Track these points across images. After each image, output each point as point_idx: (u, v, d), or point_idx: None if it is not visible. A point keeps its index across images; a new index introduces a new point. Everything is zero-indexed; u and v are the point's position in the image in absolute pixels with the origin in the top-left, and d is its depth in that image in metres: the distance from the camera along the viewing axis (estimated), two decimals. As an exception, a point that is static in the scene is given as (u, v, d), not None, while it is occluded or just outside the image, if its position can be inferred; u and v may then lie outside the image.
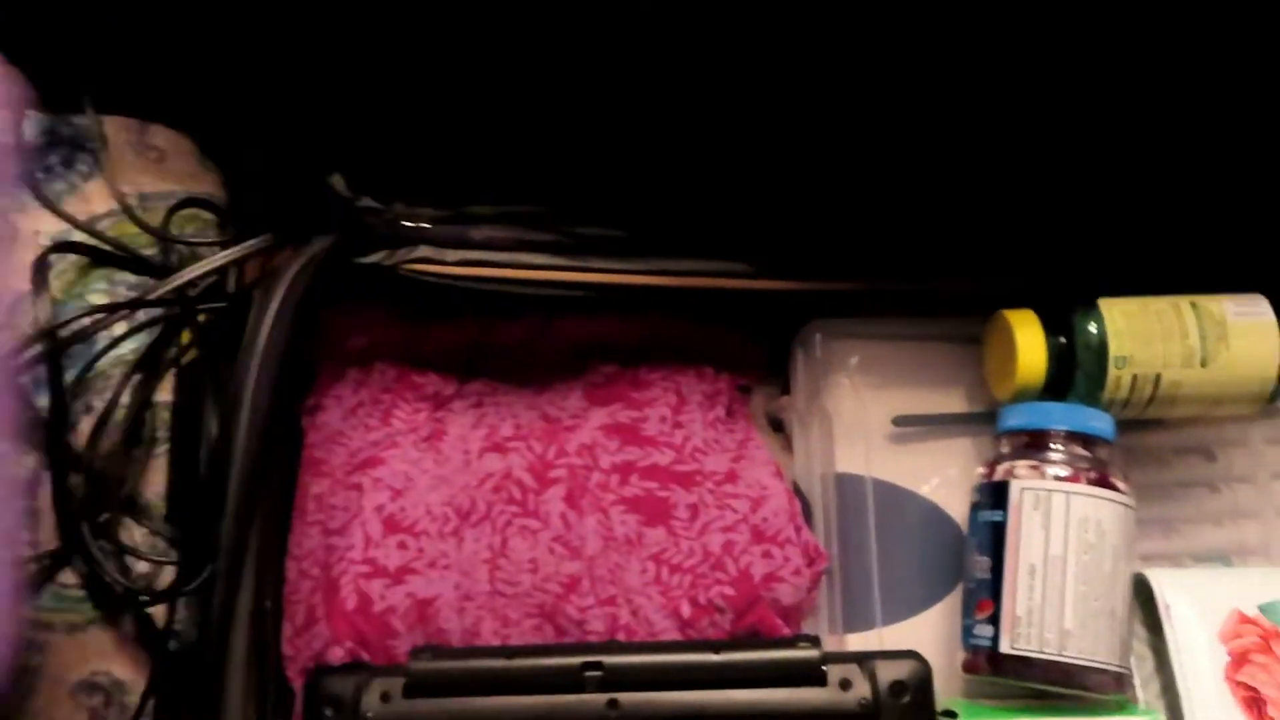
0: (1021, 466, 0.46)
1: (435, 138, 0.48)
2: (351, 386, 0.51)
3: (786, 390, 0.55)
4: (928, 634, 0.49)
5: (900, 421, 0.53)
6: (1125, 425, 0.49)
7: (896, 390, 0.54)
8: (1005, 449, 0.48)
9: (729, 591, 0.47)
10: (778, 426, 0.55)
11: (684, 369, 0.53)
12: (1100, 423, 0.46)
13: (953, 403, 0.54)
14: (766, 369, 0.56)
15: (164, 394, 0.57)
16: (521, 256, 0.48)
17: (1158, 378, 0.47)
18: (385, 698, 0.44)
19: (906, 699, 0.44)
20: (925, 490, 0.53)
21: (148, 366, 0.55)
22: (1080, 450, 0.46)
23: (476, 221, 0.48)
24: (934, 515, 0.52)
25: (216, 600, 0.38)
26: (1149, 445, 0.54)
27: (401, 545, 0.48)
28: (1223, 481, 0.54)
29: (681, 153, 0.50)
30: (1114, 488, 0.45)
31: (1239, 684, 0.44)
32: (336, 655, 0.46)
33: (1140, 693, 0.46)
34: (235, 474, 0.40)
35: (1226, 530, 0.54)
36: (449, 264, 0.47)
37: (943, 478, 0.53)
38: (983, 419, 0.53)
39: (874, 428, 0.53)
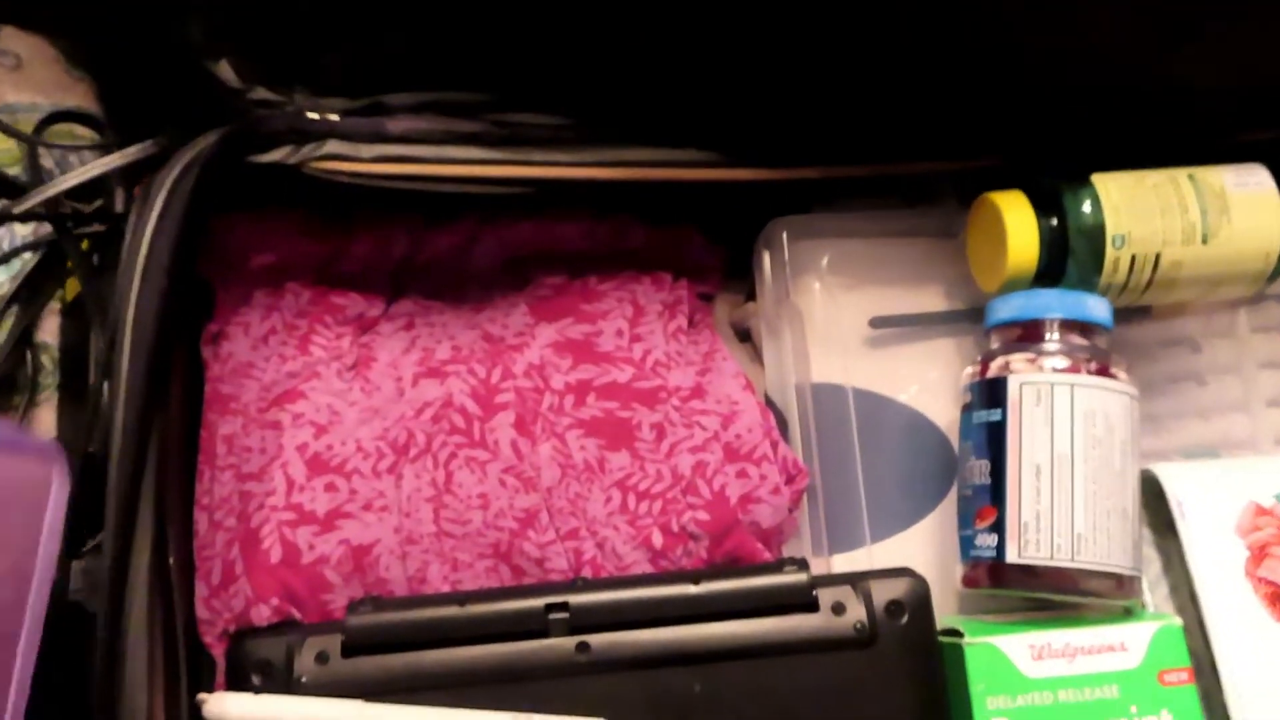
0: (1017, 360, 0.42)
1: (342, 12, 0.41)
2: (260, 311, 0.44)
3: (751, 296, 0.50)
4: (918, 550, 0.46)
5: (877, 323, 0.48)
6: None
7: (871, 291, 0.49)
8: (996, 344, 0.44)
9: (703, 516, 0.43)
10: (744, 337, 0.50)
11: (639, 277, 0.48)
12: (1100, 308, 0.42)
13: (932, 301, 0.50)
14: (728, 274, 0.51)
15: (48, 334, 0.50)
16: (448, 150, 0.42)
17: (1157, 257, 0.43)
18: (321, 658, 0.39)
19: (905, 619, 0.40)
20: (905, 398, 0.48)
21: (24, 301, 0.48)
22: (1079, 340, 0.42)
23: (393, 112, 0.42)
24: (917, 423, 0.48)
25: (106, 561, 0.31)
26: (1133, 339, 0.50)
27: (330, 487, 0.42)
28: (1210, 374, 0.51)
29: (628, 27, 0.43)
30: (1117, 378, 0.41)
31: (1260, 579, 0.40)
32: (262, 615, 0.40)
33: (1148, 596, 0.43)
34: (119, 412, 0.33)
35: (1214, 424, 0.51)
36: (363, 160, 0.41)
37: (923, 383, 0.49)
38: (965, 317, 0.49)
39: (849, 332, 0.49)
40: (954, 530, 0.45)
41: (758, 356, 0.49)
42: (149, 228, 0.35)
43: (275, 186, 0.42)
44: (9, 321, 0.48)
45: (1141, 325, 0.51)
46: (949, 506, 0.46)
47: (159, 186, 0.37)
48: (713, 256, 0.50)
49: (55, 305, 0.49)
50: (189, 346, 0.43)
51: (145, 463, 0.34)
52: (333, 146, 0.41)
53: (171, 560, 0.34)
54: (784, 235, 0.48)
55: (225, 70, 0.41)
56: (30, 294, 0.48)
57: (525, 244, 0.47)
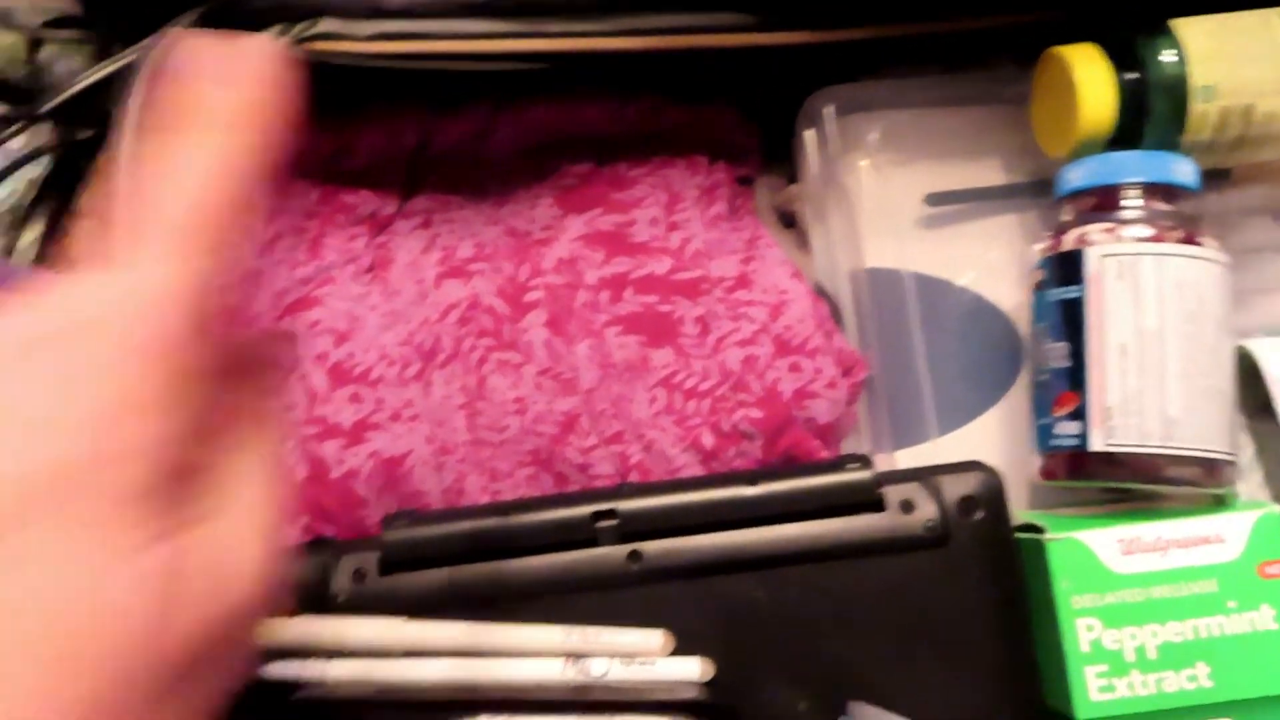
0: (1095, 231, 0.38)
1: None
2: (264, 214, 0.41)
3: (793, 179, 0.46)
4: (986, 443, 0.43)
5: (933, 200, 0.44)
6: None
7: (925, 166, 0.45)
8: (1068, 216, 0.40)
9: (755, 414, 0.40)
10: (788, 223, 0.47)
11: (672, 161, 0.44)
12: (1185, 170, 0.38)
13: (991, 175, 0.46)
14: (767, 156, 0.47)
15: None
16: (454, 24, 0.38)
17: (1248, 110, 0.39)
18: (358, 576, 0.37)
19: (979, 516, 0.37)
20: (965, 281, 0.45)
21: (41, 208, 0.46)
22: (1162, 205, 0.38)
23: (395, -17, 0.38)
24: (980, 307, 0.44)
25: None
26: (1210, 209, 0.46)
27: (355, 398, 0.39)
28: (1293, 244, 0.47)
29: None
30: (1207, 246, 0.38)
31: (1367, 458, 0.37)
32: (292, 535, 0.38)
33: (1240, 484, 0.40)
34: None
35: (1298, 299, 0.47)
36: (360, 39, 0.37)
37: (984, 265, 0.45)
38: (1029, 190, 0.45)
39: (903, 212, 0.45)
40: (1023, 421, 0.42)
41: (804, 243, 0.46)
42: (130, 126, 0.31)
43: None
44: (32, 230, 0.45)
45: (1219, 193, 0.47)
46: (1017, 395, 0.43)
47: (140, 80, 0.33)
48: (750, 136, 0.46)
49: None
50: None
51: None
52: (326, 25, 0.37)
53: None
54: (830, 108, 0.44)
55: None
56: (44, 201, 0.45)
57: (546, 129, 0.44)
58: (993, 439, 0.43)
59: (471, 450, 0.39)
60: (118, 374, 0.19)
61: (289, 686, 0.35)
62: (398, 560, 0.36)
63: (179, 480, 0.20)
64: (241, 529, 0.21)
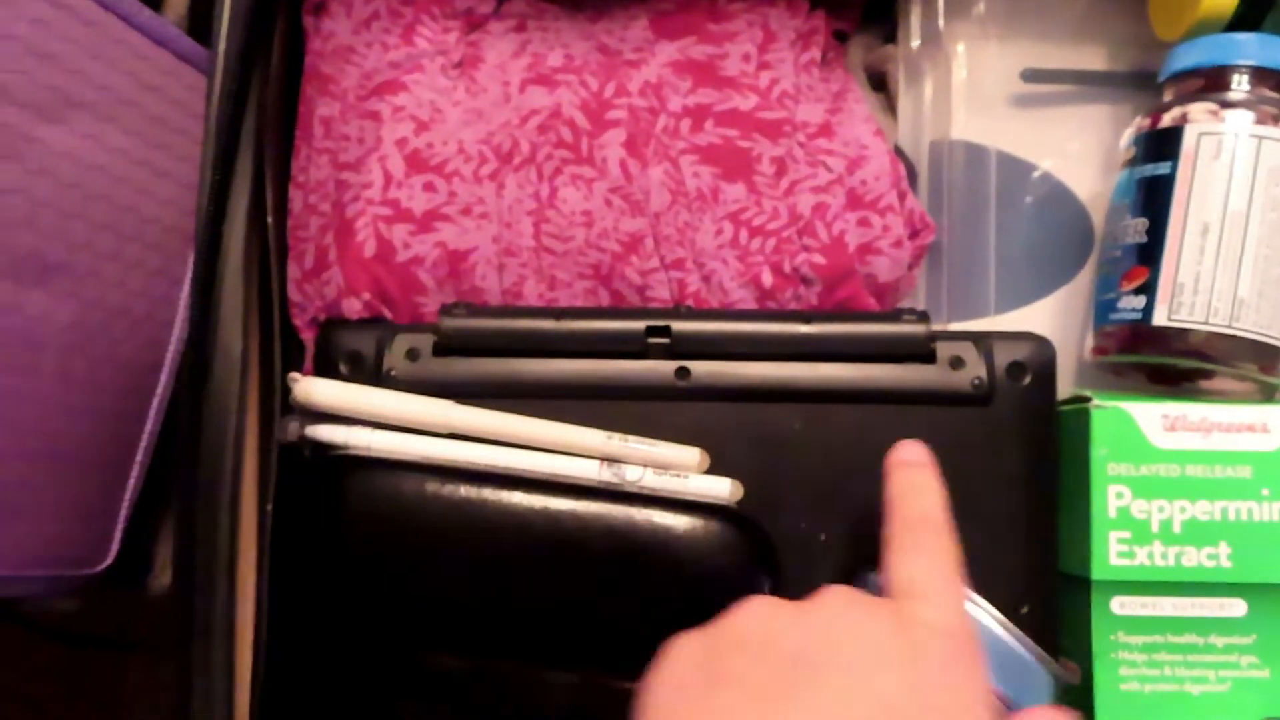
0: (1197, 110, 0.37)
1: None
2: (363, -9, 0.41)
3: (891, 39, 0.45)
4: (1042, 326, 0.42)
5: (1029, 76, 0.44)
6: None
7: (1027, 43, 0.44)
8: (1171, 96, 0.39)
9: (818, 260, 0.40)
10: (877, 85, 0.46)
11: (773, 1, 0.43)
12: (1302, 60, 0.37)
13: (1093, 60, 0.44)
14: (867, 14, 0.46)
15: None
16: None
17: (1376, 14, 0.38)
18: (412, 355, 0.38)
19: (1027, 381, 0.37)
20: (1049, 165, 0.44)
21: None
22: (1271, 92, 0.37)
23: None
24: (1059, 194, 0.44)
25: (204, 185, 0.29)
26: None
27: (429, 187, 0.40)
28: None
29: None
30: (1310, 139, 0.37)
31: None
32: (354, 308, 0.39)
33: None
34: (221, 44, 0.30)
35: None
36: None
37: (1066, 154, 0.44)
38: (1127, 81, 0.44)
39: (997, 88, 0.44)
40: (1080, 311, 0.42)
41: (890, 107, 0.45)
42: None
43: None
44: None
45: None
46: (1078, 285, 0.43)
47: None
48: (852, -11, 0.45)
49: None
50: (292, 15, 0.40)
51: (247, 99, 0.31)
52: None
53: (270, 220, 0.32)
54: (938, -29, 0.43)
55: None
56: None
57: (653, -52, 0.43)
58: (1051, 322, 0.43)
59: (534, 256, 0.40)
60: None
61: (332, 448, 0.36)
62: (453, 346, 0.37)
63: None
64: None
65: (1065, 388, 0.42)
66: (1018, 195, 0.44)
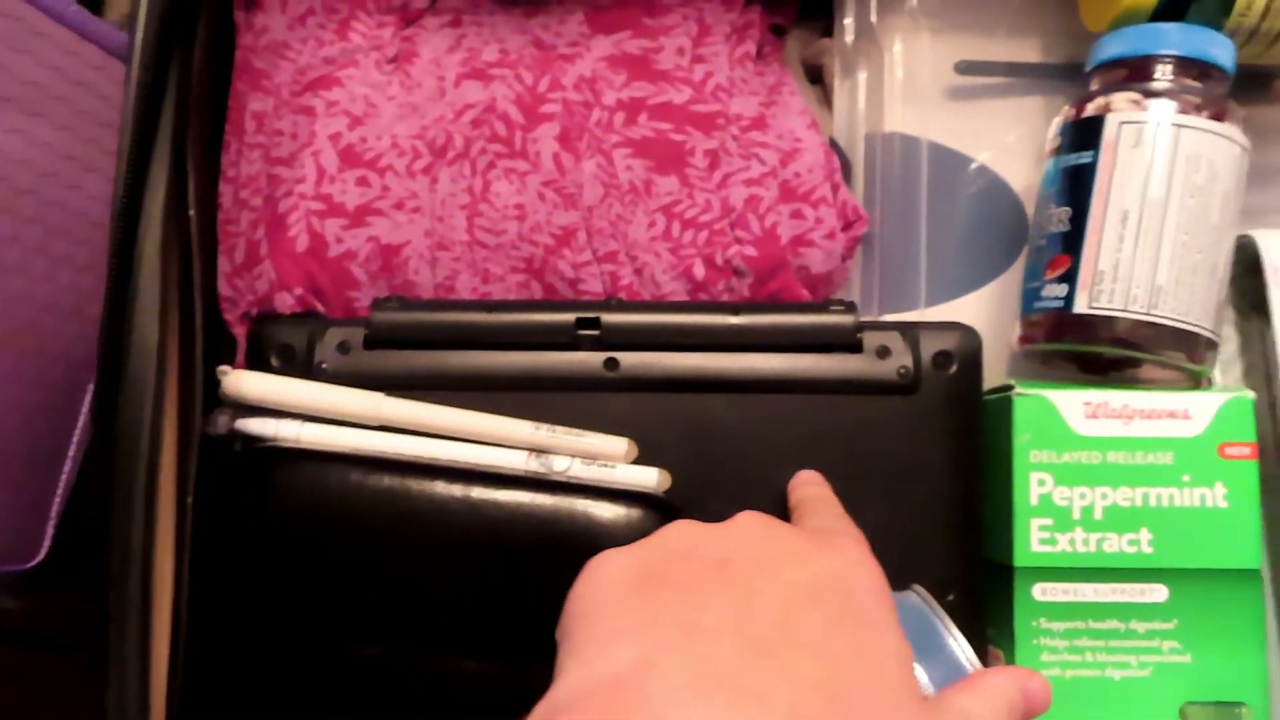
0: (1119, 99, 0.37)
1: None
2: (297, -13, 0.41)
3: (827, 34, 0.46)
4: (973, 319, 0.43)
5: (963, 68, 0.44)
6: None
7: (961, 37, 0.45)
8: (1096, 86, 0.40)
9: (750, 253, 0.40)
10: (814, 78, 0.46)
11: (708, -5, 0.44)
12: (1222, 49, 0.38)
13: (1025, 53, 0.45)
14: (803, 8, 0.46)
15: None
16: None
17: (1296, 6, 0.38)
18: (343, 348, 0.38)
19: (952, 370, 0.38)
20: (983, 158, 0.45)
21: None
22: (1193, 82, 0.37)
23: None
24: (993, 187, 0.44)
25: (120, 165, 0.29)
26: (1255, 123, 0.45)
27: (362, 181, 0.40)
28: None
29: None
30: (1229, 125, 0.37)
31: (1348, 366, 0.37)
32: (285, 303, 0.39)
33: (1219, 376, 0.40)
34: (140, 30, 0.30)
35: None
36: None
37: (1000, 146, 0.45)
38: (1059, 73, 0.44)
39: (931, 80, 0.45)
40: (1011, 303, 0.42)
41: (826, 100, 0.46)
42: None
43: None
44: None
45: (1259, 107, 0.46)
46: (1013, 276, 0.43)
47: None
48: (789, -16, 0.46)
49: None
50: (221, 9, 0.40)
51: (164, 91, 0.31)
52: None
53: (192, 213, 0.33)
54: (873, -35, 0.43)
55: None
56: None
57: (587, -56, 0.43)
58: (982, 316, 0.43)
59: (467, 250, 0.40)
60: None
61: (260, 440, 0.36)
62: (384, 338, 0.38)
63: None
64: None
65: (998, 379, 0.43)
66: (954, 187, 0.44)
